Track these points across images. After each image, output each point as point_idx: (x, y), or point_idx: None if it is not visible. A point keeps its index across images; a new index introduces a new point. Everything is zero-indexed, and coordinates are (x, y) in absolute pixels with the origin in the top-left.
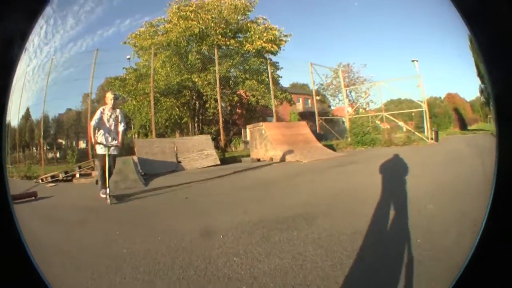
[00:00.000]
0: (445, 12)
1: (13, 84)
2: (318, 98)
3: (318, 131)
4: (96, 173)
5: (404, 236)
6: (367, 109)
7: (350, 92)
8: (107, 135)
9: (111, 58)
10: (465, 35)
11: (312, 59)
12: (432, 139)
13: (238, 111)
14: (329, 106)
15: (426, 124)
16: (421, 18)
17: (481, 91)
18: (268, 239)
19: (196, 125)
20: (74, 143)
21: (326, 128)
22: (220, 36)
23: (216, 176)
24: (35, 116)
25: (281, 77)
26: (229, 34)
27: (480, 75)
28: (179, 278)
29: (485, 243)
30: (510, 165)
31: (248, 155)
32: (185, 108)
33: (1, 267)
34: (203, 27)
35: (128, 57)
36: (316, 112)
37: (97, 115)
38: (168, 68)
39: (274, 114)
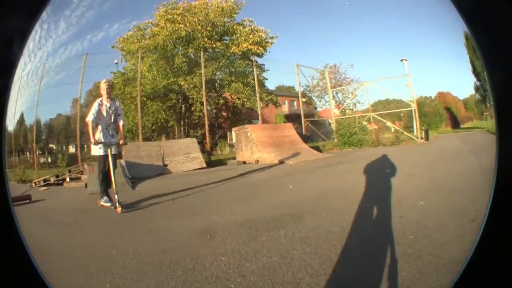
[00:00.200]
0: (437, 11)
1: (13, 84)
2: (304, 100)
3: (304, 133)
4: (85, 177)
5: (392, 234)
6: (354, 110)
7: (337, 93)
8: (106, 131)
9: (100, 63)
10: (460, 33)
11: (299, 60)
12: (422, 138)
13: (224, 114)
14: (315, 108)
15: (416, 124)
16: (411, 17)
17: (476, 89)
18: (255, 239)
19: (182, 128)
20: (64, 147)
21: (312, 130)
22: (206, 39)
23: (202, 178)
24: (29, 121)
25: (267, 79)
26: (215, 36)
27: (475, 72)
28: (167, 278)
29: (485, 242)
30: (510, 163)
31: (234, 158)
32: (171, 111)
33: (1, 267)
34: (189, 30)
35: (115, 61)
36: (302, 114)
37: (94, 108)
38: (155, 72)
39: (260, 117)
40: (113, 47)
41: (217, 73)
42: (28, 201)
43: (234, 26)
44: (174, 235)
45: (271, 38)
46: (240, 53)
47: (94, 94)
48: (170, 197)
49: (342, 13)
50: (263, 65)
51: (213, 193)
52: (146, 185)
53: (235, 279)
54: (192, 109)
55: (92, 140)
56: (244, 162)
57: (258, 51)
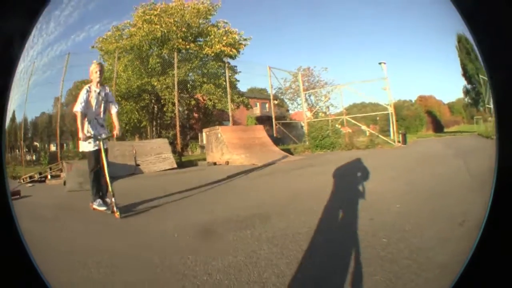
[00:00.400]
0: (432, 12)
1: (13, 83)
2: (276, 102)
3: (275, 135)
4: (64, 175)
5: (362, 236)
6: (327, 113)
7: (310, 96)
8: (95, 121)
9: (81, 62)
10: (451, 36)
11: (273, 63)
12: (399, 142)
13: (195, 115)
14: (288, 110)
15: (392, 127)
16: (397, 20)
17: (466, 92)
18: (222, 238)
19: (154, 129)
20: (46, 145)
21: (284, 132)
22: (180, 40)
23: (172, 179)
24: (18, 118)
25: (239, 81)
26: (190, 38)
27: (467, 75)
28: (135, 276)
29: (485, 242)
30: (510, 163)
31: (205, 159)
32: (144, 111)
33: (1, 267)
34: (165, 31)
35: (94, 61)
36: (273, 116)
37: (82, 97)
38: (130, 72)
39: (231, 118)
40: (93, 47)
41: (189, 74)
42: (18, 196)
43: (209, 28)
44: (141, 234)
45: (245, 40)
46: (213, 54)
47: (73, 93)
48: (139, 197)
49: (320, 15)
50: (236, 66)
51: (182, 193)
52: (119, 184)
53: (201, 277)
54: (164, 109)
55: (81, 134)
56: (215, 164)
57: (231, 52)
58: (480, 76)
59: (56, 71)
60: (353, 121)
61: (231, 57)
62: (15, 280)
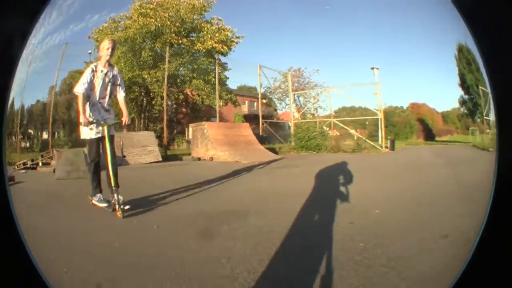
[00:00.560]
0: (427, 20)
1: (13, 83)
2: (264, 101)
3: (261, 134)
4: (53, 163)
5: (339, 239)
6: (315, 114)
7: (298, 97)
8: (99, 105)
9: (77, 52)
10: (451, 45)
11: (265, 62)
12: (387, 148)
13: (183, 110)
14: (275, 110)
15: (381, 133)
16: (393, 24)
17: (463, 102)
18: (199, 232)
19: (142, 121)
20: (39, 133)
21: (270, 131)
22: (174, 35)
23: (156, 171)
24: (16, 106)
25: (228, 78)
26: (183, 33)
27: (465, 86)
28: (113, 269)
29: (485, 242)
30: (510, 164)
31: (190, 154)
32: (133, 104)
33: (1, 267)
34: (159, 25)
35: (89, 51)
36: (260, 115)
37: (86, 77)
38: (122, 64)
39: (218, 115)
40: (89, 37)
41: (180, 69)
42: (12, 182)
43: (202, 24)
44: (116, 227)
45: (237, 37)
46: (204, 50)
47: (67, 82)
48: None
49: (316, 16)
50: (226, 63)
51: (162, 186)
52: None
53: (175, 269)
54: (153, 102)
55: (82, 118)
56: (199, 159)
57: (222, 49)
58: (480, 87)
59: (54, 60)
60: (340, 124)
61: (222, 54)
62: (15, 280)
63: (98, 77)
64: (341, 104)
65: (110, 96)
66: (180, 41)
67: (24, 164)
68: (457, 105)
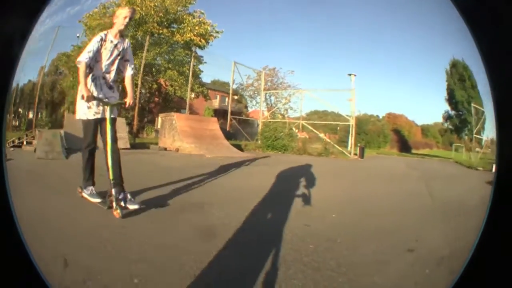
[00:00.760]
0: (422, 25)
1: (14, 83)
2: (236, 97)
3: (228, 130)
4: (36, 142)
5: (289, 239)
6: (285, 115)
7: (270, 96)
8: (102, 81)
9: (67, 36)
10: (445, 60)
11: (241, 59)
12: (355, 154)
13: (156, 99)
14: (246, 107)
15: (351, 139)
16: (383, 33)
17: (447, 118)
18: (156, 221)
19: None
20: (26, 113)
21: (237, 128)
22: (155, 24)
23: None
24: (13, 85)
25: (202, 71)
26: (165, 23)
27: (453, 101)
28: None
29: (485, 242)
30: (510, 164)
31: (157, 143)
32: None
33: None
34: (144, 14)
35: (78, 35)
36: (229, 111)
37: (93, 45)
38: None
39: (188, 107)
40: (80, 21)
41: (157, 59)
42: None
43: (185, 16)
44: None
45: (217, 32)
46: (183, 42)
47: (55, 64)
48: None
49: (301, 19)
50: (202, 57)
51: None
52: (77, 156)
53: (136, 252)
54: None
55: (83, 91)
56: (165, 149)
57: (200, 43)
58: (474, 105)
59: (49, 41)
60: (310, 127)
61: (199, 47)
62: (15, 280)
63: (107, 48)
64: (314, 107)
65: (116, 72)
66: (161, 31)
67: (13, 142)
68: (440, 119)
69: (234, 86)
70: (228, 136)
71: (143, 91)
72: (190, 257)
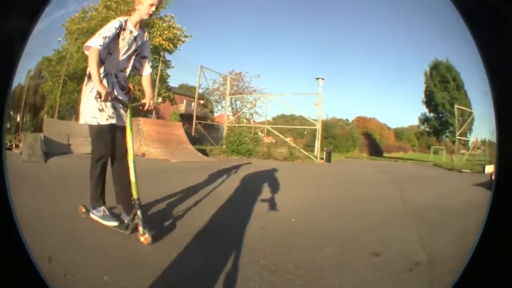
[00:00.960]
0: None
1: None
2: (202, 102)
3: (193, 134)
4: (23, 145)
5: (246, 240)
6: (250, 120)
7: (236, 100)
8: (114, 79)
9: (50, 40)
10: (424, 62)
11: (209, 64)
12: (322, 159)
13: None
14: (212, 112)
15: (317, 143)
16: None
17: (424, 120)
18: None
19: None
20: (15, 115)
21: (203, 133)
22: None
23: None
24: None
25: (170, 75)
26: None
27: (431, 103)
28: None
29: (485, 242)
30: (510, 164)
31: None
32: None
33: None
34: None
35: (59, 39)
36: (194, 115)
37: (109, 29)
38: (80, 54)
39: (154, 111)
40: (62, 26)
41: None
42: None
43: (156, 20)
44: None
45: (185, 36)
46: (152, 47)
47: (39, 67)
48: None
49: (270, 23)
50: (169, 61)
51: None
52: (55, 160)
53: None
54: None
55: (99, 86)
56: None
57: (168, 47)
58: (457, 107)
59: (36, 44)
60: (275, 132)
61: (168, 51)
62: (15, 280)
63: (125, 38)
64: (281, 112)
65: (131, 70)
66: None
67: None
68: (416, 122)
69: (200, 91)
70: (194, 141)
71: None
72: (138, 251)
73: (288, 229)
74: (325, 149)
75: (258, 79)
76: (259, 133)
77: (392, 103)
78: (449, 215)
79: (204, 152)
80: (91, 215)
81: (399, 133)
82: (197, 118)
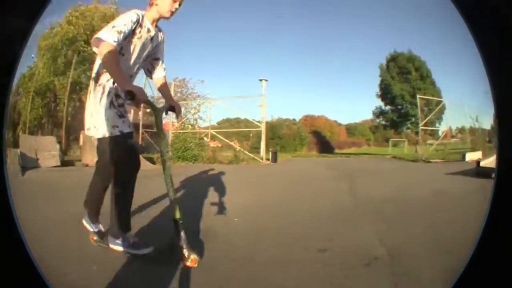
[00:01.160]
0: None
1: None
2: (147, 110)
3: (140, 143)
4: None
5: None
6: (195, 125)
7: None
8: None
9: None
10: (380, 56)
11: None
12: (268, 159)
13: (79, 116)
14: None
15: (262, 145)
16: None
17: (379, 114)
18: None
19: (50, 126)
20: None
21: (149, 141)
22: (83, 42)
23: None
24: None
25: None
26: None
27: (387, 96)
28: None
29: (485, 242)
30: (510, 164)
31: (81, 161)
32: (45, 109)
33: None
34: (75, 33)
35: (32, 55)
36: (140, 124)
37: (123, 24)
38: (45, 70)
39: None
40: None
41: (81, 76)
42: None
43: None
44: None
45: None
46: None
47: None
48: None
49: (214, 25)
50: None
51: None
52: (32, 174)
53: None
54: (58, 108)
55: (129, 85)
56: (87, 165)
57: None
58: (419, 97)
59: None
60: (219, 136)
61: None
62: (15, 280)
63: (142, 36)
64: (226, 115)
65: (151, 70)
66: (86, 49)
67: None
68: (370, 116)
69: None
70: (141, 149)
71: (70, 109)
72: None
73: (230, 228)
74: (270, 149)
75: (202, 84)
76: (204, 138)
77: (342, 99)
78: (413, 207)
79: (151, 160)
80: (111, 245)
81: (351, 129)
82: (144, 126)
